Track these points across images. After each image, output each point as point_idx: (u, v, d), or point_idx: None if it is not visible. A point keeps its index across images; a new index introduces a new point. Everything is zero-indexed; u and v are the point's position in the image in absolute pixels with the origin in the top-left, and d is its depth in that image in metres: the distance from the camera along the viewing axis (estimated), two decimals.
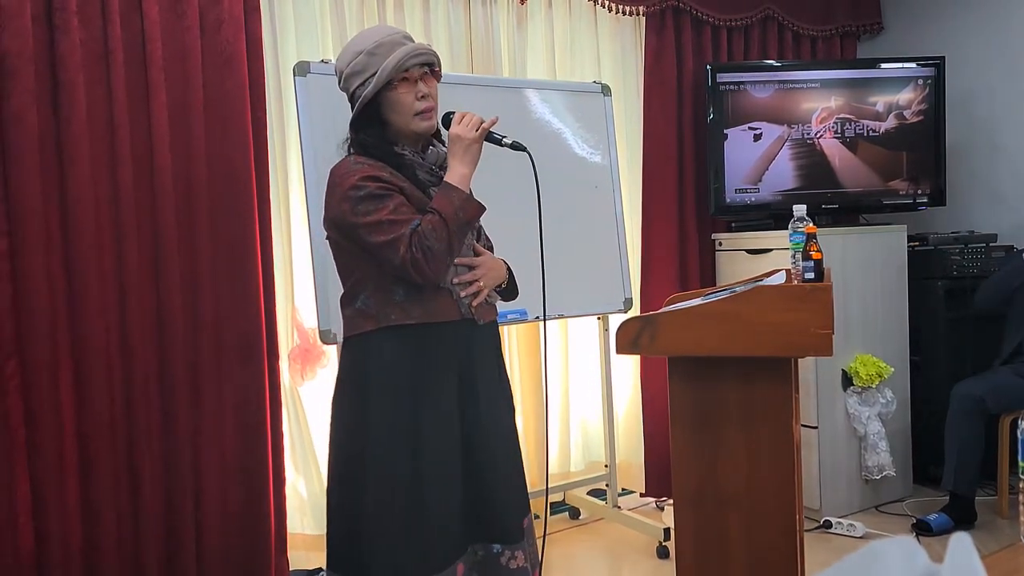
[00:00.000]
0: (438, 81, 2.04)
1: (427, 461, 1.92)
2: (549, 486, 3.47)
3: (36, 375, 2.55)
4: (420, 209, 1.90)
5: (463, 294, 1.98)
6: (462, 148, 1.92)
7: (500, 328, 2.19)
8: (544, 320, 2.17)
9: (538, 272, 2.16)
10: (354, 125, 1.99)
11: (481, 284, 2.01)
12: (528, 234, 2.38)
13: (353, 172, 1.89)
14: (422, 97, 1.95)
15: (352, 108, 1.99)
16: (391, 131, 1.97)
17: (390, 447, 1.91)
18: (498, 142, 1.99)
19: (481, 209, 1.93)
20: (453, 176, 1.91)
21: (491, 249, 2.22)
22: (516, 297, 2.19)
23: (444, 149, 2.05)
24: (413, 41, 1.99)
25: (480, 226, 2.12)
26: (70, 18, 2.58)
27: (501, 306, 2.18)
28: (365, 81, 1.93)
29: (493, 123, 1.95)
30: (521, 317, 3.05)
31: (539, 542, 2.17)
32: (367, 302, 1.95)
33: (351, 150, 2.00)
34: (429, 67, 1.99)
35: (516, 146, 1.99)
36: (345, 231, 1.92)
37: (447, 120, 2.00)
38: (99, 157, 2.66)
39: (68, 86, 2.58)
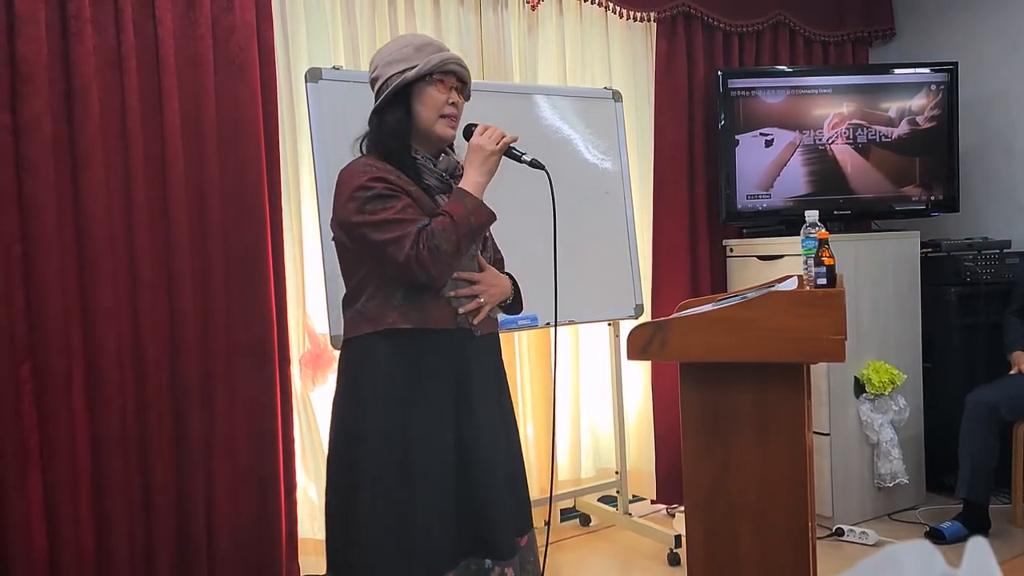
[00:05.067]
0: (466, 100, 2.10)
1: (417, 469, 1.91)
2: (559, 493, 3.49)
3: (49, 380, 2.56)
4: (426, 214, 1.92)
5: (462, 310, 1.98)
6: (480, 158, 1.94)
7: (511, 334, 2.19)
8: (556, 327, 2.19)
9: (547, 278, 2.17)
10: (380, 110, 2.00)
11: (481, 300, 2.01)
12: (537, 240, 2.39)
13: (362, 173, 1.92)
14: (451, 104, 2.01)
15: (376, 99, 2.02)
16: (414, 124, 1.99)
17: (381, 453, 1.91)
18: (517, 158, 2.02)
19: (491, 216, 1.94)
20: (468, 183, 1.93)
21: (501, 263, 2.23)
22: (520, 311, 2.20)
23: (456, 157, 2.07)
24: None
25: (491, 238, 2.13)
26: (84, 25, 2.59)
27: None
28: (406, 69, 1.96)
29: (513, 140, 1.99)
30: (531, 323, 3.04)
31: (541, 551, 2.15)
32: (367, 304, 1.97)
33: (363, 150, 2.03)
34: (464, 85, 2.05)
35: (535, 164, 2.01)
36: (350, 230, 1.93)
37: (468, 132, 2.03)
38: (112, 163, 2.68)
39: (82, 93, 2.60)
